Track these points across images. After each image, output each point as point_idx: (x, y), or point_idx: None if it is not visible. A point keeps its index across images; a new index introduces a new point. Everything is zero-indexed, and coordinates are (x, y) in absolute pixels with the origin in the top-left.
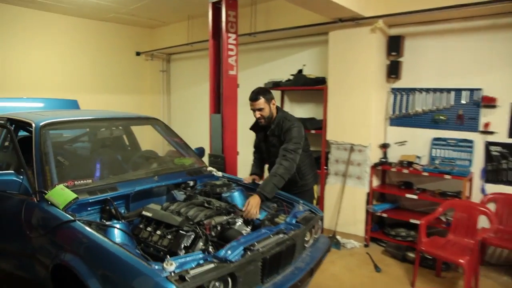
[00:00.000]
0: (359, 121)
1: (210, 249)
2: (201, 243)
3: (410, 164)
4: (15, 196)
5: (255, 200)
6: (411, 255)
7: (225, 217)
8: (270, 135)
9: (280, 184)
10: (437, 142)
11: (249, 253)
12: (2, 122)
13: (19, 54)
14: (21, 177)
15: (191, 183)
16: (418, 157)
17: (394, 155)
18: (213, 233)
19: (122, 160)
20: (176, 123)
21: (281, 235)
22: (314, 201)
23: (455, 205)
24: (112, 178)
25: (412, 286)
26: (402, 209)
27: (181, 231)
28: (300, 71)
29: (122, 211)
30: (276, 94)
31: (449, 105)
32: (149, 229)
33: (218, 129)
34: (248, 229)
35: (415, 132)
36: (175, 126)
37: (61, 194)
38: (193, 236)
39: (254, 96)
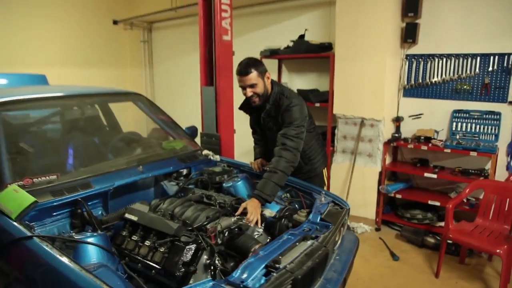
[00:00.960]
0: (371, 92)
1: (217, 263)
2: (205, 257)
3: (428, 139)
4: None
5: (253, 205)
6: (431, 240)
7: (233, 218)
8: (266, 117)
9: (282, 182)
10: (458, 114)
11: (274, 274)
12: None
13: None
14: None
15: (184, 171)
16: (436, 131)
17: (407, 130)
18: (219, 240)
19: (98, 146)
20: (161, 100)
21: (309, 242)
22: (325, 188)
23: (484, 185)
24: (84, 170)
25: (436, 275)
26: (416, 188)
27: (177, 243)
28: (301, 36)
29: (99, 212)
30: (272, 63)
31: (473, 73)
32: (135, 237)
33: (211, 104)
34: (261, 230)
35: (433, 103)
36: (160, 103)
37: (14, 198)
38: (194, 248)
39: (244, 69)
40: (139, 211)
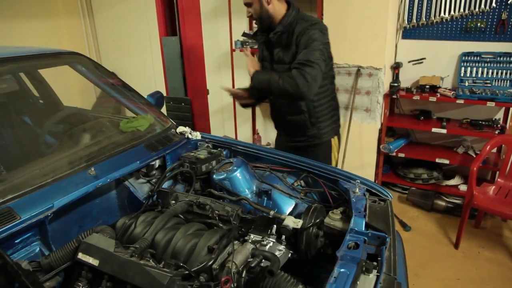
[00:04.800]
0: (370, 35)
1: None
2: None
3: (433, 88)
4: None
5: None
6: (441, 203)
7: (249, 245)
8: (276, 42)
9: (274, 88)
10: (467, 58)
11: None
12: None
13: None
14: None
15: (157, 162)
16: (442, 78)
17: (406, 78)
18: (234, 284)
19: (25, 137)
20: (108, 57)
21: (372, 276)
22: (334, 162)
23: (507, 141)
24: (2, 188)
25: (456, 246)
26: (417, 144)
27: None
28: None
29: (37, 249)
30: None
31: (489, 7)
32: None
33: (176, 60)
34: (282, 248)
35: (437, 46)
36: (107, 62)
37: None
38: None
39: None
40: (99, 250)
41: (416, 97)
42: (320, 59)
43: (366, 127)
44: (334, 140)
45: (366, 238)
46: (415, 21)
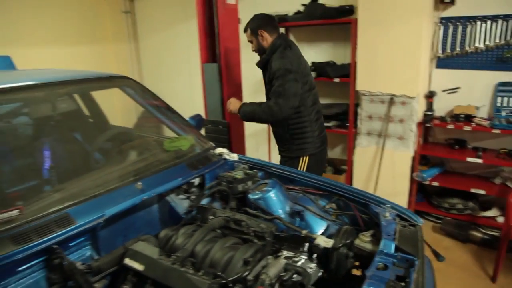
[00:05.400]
0: (404, 64)
1: None
2: None
3: (468, 117)
4: None
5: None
6: (477, 234)
7: (282, 260)
8: (261, 67)
9: (257, 118)
10: (504, 87)
11: None
12: None
13: None
14: None
15: (197, 180)
16: (477, 107)
17: (441, 107)
18: None
19: (79, 154)
20: (149, 79)
21: None
22: None
23: None
24: (61, 196)
25: (493, 280)
26: (452, 173)
27: None
28: (314, 0)
29: (88, 253)
30: None
31: None
32: None
33: (215, 85)
34: (313, 266)
35: (472, 75)
36: (148, 84)
37: None
38: None
39: (245, 27)
40: (145, 256)
41: (451, 126)
42: (292, 86)
43: (399, 155)
44: (304, 159)
45: (395, 261)
46: (449, 51)
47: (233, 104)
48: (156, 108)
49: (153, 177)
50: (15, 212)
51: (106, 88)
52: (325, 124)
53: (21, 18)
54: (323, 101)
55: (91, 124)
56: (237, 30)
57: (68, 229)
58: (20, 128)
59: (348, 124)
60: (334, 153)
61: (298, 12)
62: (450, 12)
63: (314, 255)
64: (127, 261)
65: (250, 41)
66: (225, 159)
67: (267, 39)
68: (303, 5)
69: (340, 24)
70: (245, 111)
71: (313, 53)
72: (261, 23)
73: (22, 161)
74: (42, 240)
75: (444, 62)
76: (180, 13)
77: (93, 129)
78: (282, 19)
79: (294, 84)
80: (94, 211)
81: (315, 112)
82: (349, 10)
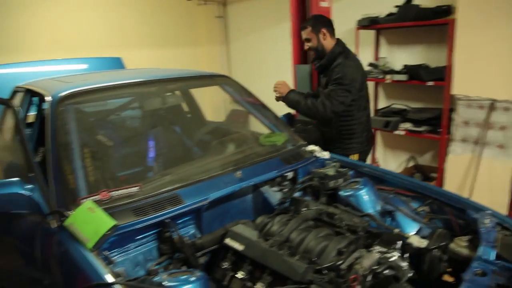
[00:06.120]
0: (507, 66)
1: None
2: None
3: None
4: (27, 217)
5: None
6: None
7: (376, 254)
8: (319, 71)
9: (300, 108)
10: None
11: None
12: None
13: (51, 10)
14: (30, 186)
15: (290, 174)
16: None
17: None
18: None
19: (183, 143)
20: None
21: None
22: None
23: None
24: (171, 179)
25: None
26: None
27: None
28: (408, 0)
29: (192, 231)
30: (368, 34)
31: None
32: (241, 275)
33: (306, 85)
34: (405, 264)
35: None
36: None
37: (89, 220)
38: None
39: (302, 24)
40: (244, 238)
41: None
42: (342, 95)
43: (499, 164)
44: (354, 157)
45: (495, 268)
46: None
47: (282, 87)
48: (253, 105)
49: (251, 168)
50: (135, 189)
51: (207, 86)
52: (416, 129)
53: (129, 24)
54: (413, 105)
55: (190, 119)
56: None
57: (178, 207)
58: (131, 119)
59: (440, 130)
60: (424, 159)
61: (391, 14)
62: None
63: (407, 254)
64: (228, 241)
65: (307, 39)
66: (316, 157)
67: (328, 39)
68: (396, 6)
69: (435, 25)
70: (292, 98)
71: (405, 55)
72: (324, 22)
73: (136, 147)
74: (157, 214)
75: None
76: (270, 17)
77: (190, 123)
78: (373, 21)
79: (345, 94)
80: (200, 193)
81: (366, 115)
82: (446, 11)
